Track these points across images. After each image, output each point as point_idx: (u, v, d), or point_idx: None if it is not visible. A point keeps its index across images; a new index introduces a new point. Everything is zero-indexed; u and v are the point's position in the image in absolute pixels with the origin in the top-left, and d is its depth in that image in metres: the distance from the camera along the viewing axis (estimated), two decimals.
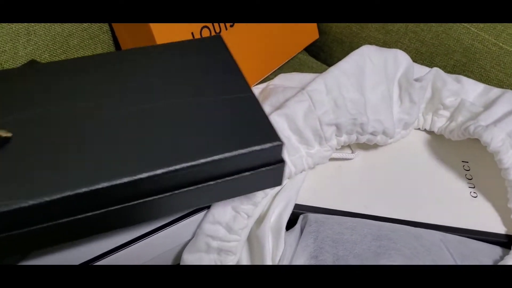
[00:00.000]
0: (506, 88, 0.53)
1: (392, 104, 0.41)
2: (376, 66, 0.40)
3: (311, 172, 0.40)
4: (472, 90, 0.43)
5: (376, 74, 0.40)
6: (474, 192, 0.42)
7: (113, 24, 0.50)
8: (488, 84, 0.54)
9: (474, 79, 0.55)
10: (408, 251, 0.35)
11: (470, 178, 0.43)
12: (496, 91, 0.43)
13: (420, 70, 0.45)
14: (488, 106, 0.42)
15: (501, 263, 0.36)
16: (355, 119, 0.38)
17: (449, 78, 0.43)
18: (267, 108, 0.40)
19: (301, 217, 0.38)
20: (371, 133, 0.39)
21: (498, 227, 0.40)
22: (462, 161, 0.44)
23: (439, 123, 0.44)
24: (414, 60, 0.58)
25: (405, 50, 0.57)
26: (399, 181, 0.42)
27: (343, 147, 0.43)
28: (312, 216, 0.37)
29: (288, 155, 0.37)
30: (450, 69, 0.55)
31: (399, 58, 0.42)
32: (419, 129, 0.45)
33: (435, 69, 0.44)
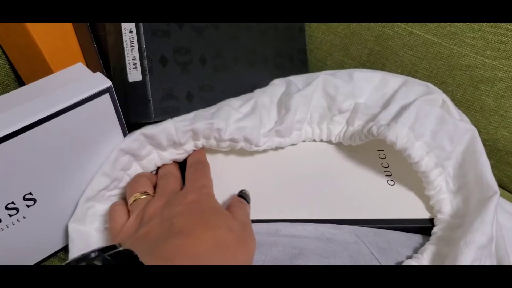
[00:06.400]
0: (420, 72, 0.53)
1: (267, 113, 0.42)
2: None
3: (220, 182, 0.39)
4: (365, 87, 0.43)
5: (242, 99, 0.42)
6: (391, 180, 0.42)
7: None
8: (404, 69, 0.54)
9: (389, 66, 0.56)
10: (323, 251, 0.34)
11: (387, 166, 0.43)
12: (392, 84, 0.42)
13: None
14: (386, 103, 0.41)
15: (422, 250, 0.36)
16: (212, 124, 0.38)
17: (340, 81, 0.42)
18: None
19: None
20: (230, 140, 0.39)
21: (418, 213, 0.39)
22: (378, 150, 0.44)
23: (335, 131, 0.43)
24: (330, 52, 0.58)
25: (319, 43, 0.56)
26: (314, 179, 0.41)
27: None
28: None
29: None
30: (366, 58, 0.55)
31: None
32: (314, 140, 0.44)
33: (322, 76, 0.42)
